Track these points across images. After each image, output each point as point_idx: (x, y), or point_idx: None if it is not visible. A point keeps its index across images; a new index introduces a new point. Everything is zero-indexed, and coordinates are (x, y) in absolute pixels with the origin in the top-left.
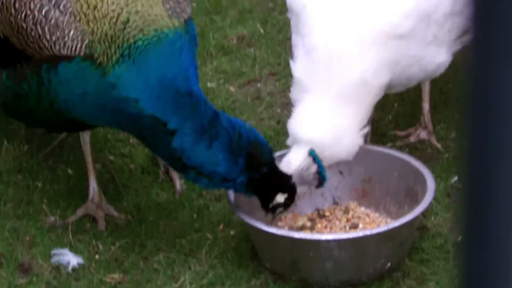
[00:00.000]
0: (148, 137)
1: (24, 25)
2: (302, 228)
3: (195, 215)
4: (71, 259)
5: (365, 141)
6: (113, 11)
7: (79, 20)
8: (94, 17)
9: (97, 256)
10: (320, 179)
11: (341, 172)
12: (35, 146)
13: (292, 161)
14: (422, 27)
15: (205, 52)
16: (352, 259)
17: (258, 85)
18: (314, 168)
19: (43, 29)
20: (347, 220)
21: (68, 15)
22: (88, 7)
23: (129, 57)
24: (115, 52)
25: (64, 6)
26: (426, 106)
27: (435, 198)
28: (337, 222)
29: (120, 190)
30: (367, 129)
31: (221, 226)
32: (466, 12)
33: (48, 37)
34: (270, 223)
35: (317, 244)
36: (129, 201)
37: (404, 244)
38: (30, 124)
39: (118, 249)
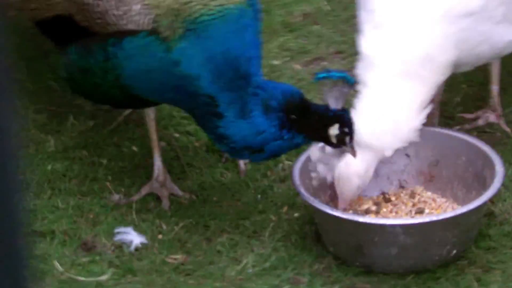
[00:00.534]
0: (199, 117)
1: (89, 0)
2: (367, 212)
3: (259, 196)
4: (134, 238)
5: (433, 123)
6: None
7: None
8: None
9: (160, 236)
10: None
11: (407, 155)
12: (100, 122)
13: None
14: (493, 5)
15: (270, 29)
16: (417, 245)
17: (324, 63)
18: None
19: (108, 3)
20: (413, 205)
21: None
22: None
23: (194, 31)
24: (180, 26)
25: None
26: (495, 88)
27: (503, 184)
28: (403, 207)
29: (185, 169)
30: (429, 109)
31: (285, 208)
32: None
33: (113, 12)
34: (351, 153)
35: (382, 229)
36: (194, 180)
37: (471, 231)
38: (95, 100)
39: (182, 229)
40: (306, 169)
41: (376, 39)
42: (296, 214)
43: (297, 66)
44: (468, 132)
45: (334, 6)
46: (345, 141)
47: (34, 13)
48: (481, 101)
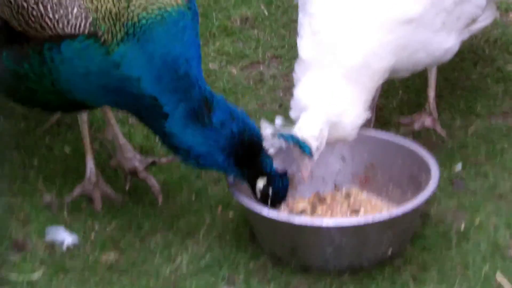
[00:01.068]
0: (145, 117)
1: (25, 5)
2: (302, 212)
3: (193, 197)
4: (66, 238)
5: (369, 127)
6: None
7: None
8: None
9: (92, 236)
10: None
11: (343, 158)
12: (32, 123)
13: (305, 128)
14: (431, 13)
15: (208, 32)
16: (353, 245)
17: (261, 67)
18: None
19: (45, 7)
20: (348, 205)
21: None
22: None
23: (133, 35)
24: (120, 30)
25: None
26: (432, 93)
27: (438, 186)
28: (338, 207)
29: (118, 170)
30: (369, 114)
31: (219, 208)
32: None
33: (50, 15)
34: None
35: (318, 230)
36: (126, 180)
37: (407, 231)
38: (29, 105)
39: (114, 229)
40: None
41: (315, 44)
42: (230, 214)
43: (234, 70)
44: (404, 136)
45: (273, 11)
46: (266, 201)
47: None
48: (417, 107)
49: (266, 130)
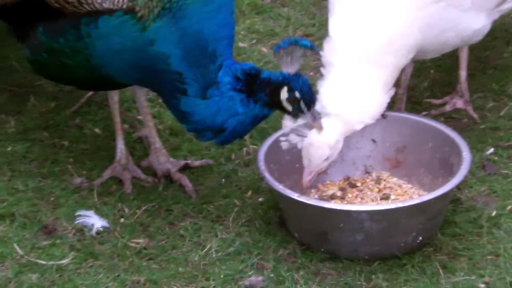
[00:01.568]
0: (165, 94)
1: None
2: (332, 197)
3: (223, 180)
4: (96, 222)
5: (400, 109)
6: None
7: None
8: None
9: (122, 220)
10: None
11: (373, 141)
12: (62, 103)
13: (322, 133)
14: None
15: (238, 10)
16: (383, 231)
17: None
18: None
19: None
20: (379, 191)
21: None
22: None
23: (170, 10)
24: (157, 5)
25: None
26: (463, 74)
27: (470, 171)
28: (369, 192)
29: (148, 152)
30: (392, 92)
31: (249, 193)
32: None
33: None
34: (313, 122)
35: (348, 215)
36: None
37: (437, 217)
38: (60, 81)
39: (144, 213)
40: (271, 153)
41: (344, 23)
42: (260, 199)
43: (264, 49)
44: (435, 117)
45: None
46: (300, 107)
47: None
48: (448, 86)
49: (287, 125)
